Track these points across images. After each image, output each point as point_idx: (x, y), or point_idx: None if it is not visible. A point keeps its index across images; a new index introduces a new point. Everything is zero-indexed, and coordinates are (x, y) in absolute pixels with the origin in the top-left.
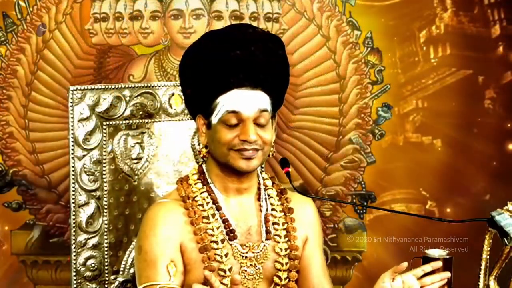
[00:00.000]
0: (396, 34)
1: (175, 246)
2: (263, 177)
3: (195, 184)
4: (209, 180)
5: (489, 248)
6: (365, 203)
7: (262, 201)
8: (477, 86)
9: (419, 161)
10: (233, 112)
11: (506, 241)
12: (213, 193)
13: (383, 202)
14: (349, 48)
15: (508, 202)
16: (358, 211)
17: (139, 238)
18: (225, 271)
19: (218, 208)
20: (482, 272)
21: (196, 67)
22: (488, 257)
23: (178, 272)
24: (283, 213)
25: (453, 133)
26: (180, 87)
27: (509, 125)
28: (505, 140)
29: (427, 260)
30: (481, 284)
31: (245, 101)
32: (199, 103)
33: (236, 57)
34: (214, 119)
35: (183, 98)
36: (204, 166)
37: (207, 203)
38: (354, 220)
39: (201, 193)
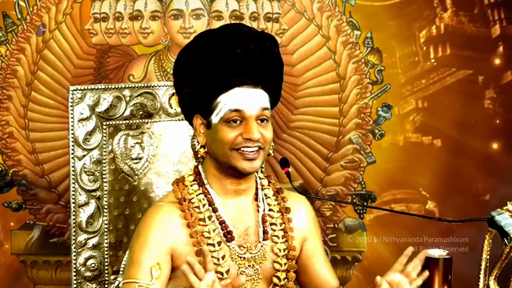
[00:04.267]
0: (396, 34)
1: (165, 251)
2: (259, 177)
3: (191, 185)
4: (205, 181)
5: (489, 248)
6: (365, 203)
7: (259, 201)
8: (477, 86)
9: (419, 161)
10: (236, 110)
11: (506, 241)
12: (209, 195)
13: (383, 202)
14: (349, 48)
15: (508, 202)
16: (358, 211)
17: (132, 239)
18: (222, 274)
19: (215, 210)
20: (482, 272)
21: (195, 66)
22: (488, 257)
23: (163, 275)
24: (280, 213)
25: (453, 133)
26: None
27: (509, 125)
28: (505, 140)
29: (427, 260)
30: (481, 284)
31: (247, 100)
32: (197, 103)
33: (237, 56)
34: (215, 118)
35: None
36: (200, 167)
37: (203, 205)
38: (354, 220)
39: (197, 195)
